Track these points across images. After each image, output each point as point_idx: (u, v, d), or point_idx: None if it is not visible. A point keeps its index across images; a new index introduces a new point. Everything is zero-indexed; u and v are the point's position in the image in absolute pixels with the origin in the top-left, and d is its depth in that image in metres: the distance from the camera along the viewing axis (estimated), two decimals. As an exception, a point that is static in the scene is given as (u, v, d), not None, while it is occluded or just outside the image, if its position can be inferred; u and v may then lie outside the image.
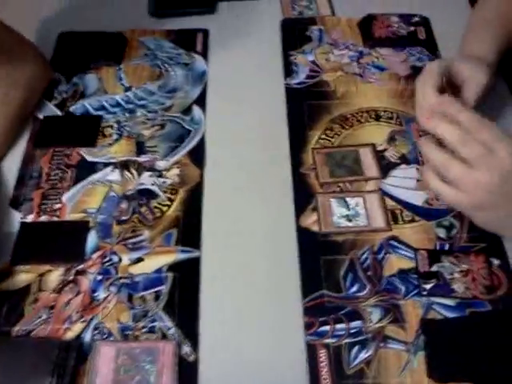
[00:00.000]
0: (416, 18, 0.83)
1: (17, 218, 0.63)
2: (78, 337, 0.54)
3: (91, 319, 0.56)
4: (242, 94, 0.75)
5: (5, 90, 0.69)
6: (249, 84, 0.76)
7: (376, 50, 0.80)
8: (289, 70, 0.78)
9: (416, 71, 0.76)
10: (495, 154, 0.52)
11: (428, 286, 0.57)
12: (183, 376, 0.52)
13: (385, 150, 0.68)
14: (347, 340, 0.54)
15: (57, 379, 0.51)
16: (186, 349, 0.54)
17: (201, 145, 0.69)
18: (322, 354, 0.53)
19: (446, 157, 0.54)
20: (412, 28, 0.82)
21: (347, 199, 0.64)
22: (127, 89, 0.75)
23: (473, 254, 0.59)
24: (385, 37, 0.81)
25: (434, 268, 0.58)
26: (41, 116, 0.73)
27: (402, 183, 0.65)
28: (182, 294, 0.57)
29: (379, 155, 0.68)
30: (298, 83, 0.76)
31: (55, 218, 0.63)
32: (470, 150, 0.53)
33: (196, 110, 0.73)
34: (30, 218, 0.63)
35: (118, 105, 0.74)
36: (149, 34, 0.83)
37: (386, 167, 0.67)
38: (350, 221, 0.62)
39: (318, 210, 0.63)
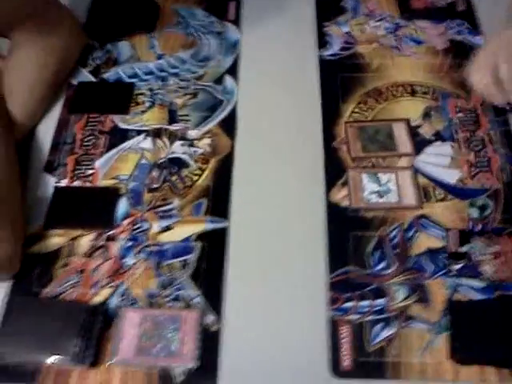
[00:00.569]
0: (456, -11, 0.80)
1: (51, 182, 0.65)
2: (105, 302, 0.56)
3: (119, 285, 0.57)
4: (274, 65, 0.74)
5: (41, 55, 0.69)
6: (282, 54, 0.75)
7: (413, 21, 0.77)
8: (323, 41, 0.76)
9: (455, 45, 0.74)
10: None
11: (456, 267, 0.56)
12: (205, 345, 0.53)
13: (419, 125, 0.67)
14: (370, 317, 0.54)
15: (82, 342, 0.52)
16: (210, 318, 0.55)
17: (232, 115, 0.69)
18: (345, 330, 0.53)
19: None
20: (450, -1, 0.79)
21: (379, 175, 0.63)
22: (160, 56, 0.75)
23: (505, 236, 0.58)
24: (423, 8, 0.78)
25: (464, 249, 0.57)
26: (75, 82, 0.73)
27: (436, 160, 0.64)
28: (209, 263, 0.58)
29: (413, 131, 0.66)
30: (332, 55, 0.74)
31: (88, 184, 0.64)
32: None
33: (228, 79, 0.72)
34: (63, 183, 0.64)
35: (150, 72, 0.74)
36: (181, 1, 0.82)
37: (419, 143, 0.65)
38: (381, 197, 0.61)
39: (348, 185, 0.62)
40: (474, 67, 0.67)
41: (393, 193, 0.61)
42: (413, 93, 0.70)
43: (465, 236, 0.58)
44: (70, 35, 0.72)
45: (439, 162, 0.64)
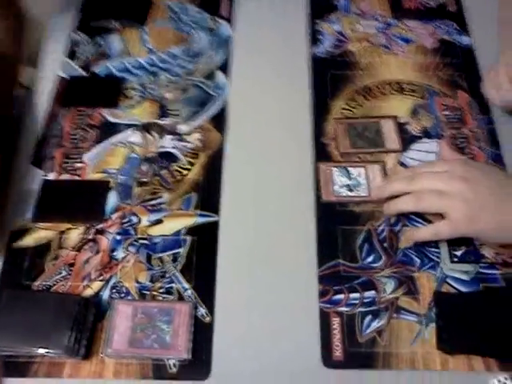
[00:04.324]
0: (446, -10, 0.82)
1: (39, 175, 0.64)
2: (97, 294, 0.56)
3: (110, 278, 0.57)
4: (266, 61, 0.74)
5: None
6: (273, 51, 0.75)
7: (404, 21, 0.78)
8: (314, 38, 0.77)
9: (444, 44, 0.75)
10: None
11: (459, 253, 0.57)
12: (198, 337, 0.53)
13: (407, 122, 0.68)
14: (360, 309, 0.54)
15: (76, 334, 0.52)
16: (202, 311, 0.55)
17: (223, 111, 0.69)
18: (335, 322, 0.54)
19: None
20: (442, 0, 0.81)
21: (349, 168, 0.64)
22: (151, 51, 0.75)
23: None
24: (414, 8, 0.80)
25: None
26: (64, 75, 0.73)
27: (423, 157, 0.65)
28: (200, 257, 0.58)
29: (401, 128, 0.67)
30: (323, 52, 0.75)
31: (76, 177, 0.64)
32: None
33: (220, 75, 0.73)
34: (51, 176, 0.64)
35: (141, 67, 0.74)
36: (173, -5, 0.82)
37: (407, 140, 0.66)
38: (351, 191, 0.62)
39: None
40: (488, 82, 0.68)
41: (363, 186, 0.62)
42: (401, 91, 0.71)
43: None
44: None
45: (426, 158, 0.65)
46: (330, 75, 0.72)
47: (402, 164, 0.64)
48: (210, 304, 0.55)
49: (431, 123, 0.68)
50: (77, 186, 0.63)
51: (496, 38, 0.73)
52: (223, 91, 0.71)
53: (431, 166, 0.61)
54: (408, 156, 0.65)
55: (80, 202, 0.62)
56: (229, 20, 0.79)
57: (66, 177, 0.64)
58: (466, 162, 0.61)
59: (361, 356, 0.52)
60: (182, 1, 0.81)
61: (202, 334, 0.53)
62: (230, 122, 0.69)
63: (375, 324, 0.53)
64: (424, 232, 0.58)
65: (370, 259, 0.58)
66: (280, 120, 0.69)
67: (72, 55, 0.75)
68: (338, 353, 0.52)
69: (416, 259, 0.57)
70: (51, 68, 0.74)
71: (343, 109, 0.69)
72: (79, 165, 0.65)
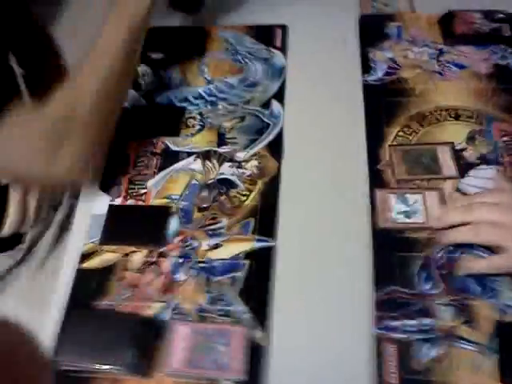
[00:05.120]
0: (500, 15, 0.81)
1: (106, 200, 0.68)
2: (158, 315, 0.58)
3: (170, 299, 0.59)
4: (319, 89, 0.76)
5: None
6: (326, 79, 0.77)
7: (456, 47, 0.79)
8: (366, 66, 0.78)
9: (499, 70, 0.75)
10: None
11: None
12: (254, 360, 0.54)
13: (464, 149, 0.68)
14: (417, 336, 0.54)
15: (138, 352, 0.54)
16: (259, 334, 0.56)
17: (279, 138, 0.71)
18: (391, 348, 0.54)
19: None
20: (495, 25, 0.80)
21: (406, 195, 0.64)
22: (209, 82, 0.79)
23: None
24: (466, 34, 0.79)
25: None
26: (128, 105, 0.77)
27: (481, 183, 0.64)
28: (257, 280, 0.60)
29: (458, 154, 0.67)
30: (376, 80, 0.76)
31: (141, 203, 0.67)
32: None
33: (275, 104, 0.75)
34: (117, 201, 0.67)
35: (200, 97, 0.77)
36: (229, 29, 0.85)
37: (464, 167, 0.66)
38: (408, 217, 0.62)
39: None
40: None
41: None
42: (457, 117, 0.71)
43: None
44: None
45: (484, 184, 0.64)
46: (385, 102, 0.73)
47: (460, 191, 0.64)
48: (266, 327, 0.56)
49: (489, 149, 0.67)
50: (141, 211, 0.67)
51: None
52: (278, 119, 0.73)
53: (490, 196, 0.60)
54: (466, 183, 0.65)
55: (143, 226, 0.66)
56: (282, 50, 0.82)
57: (131, 202, 0.67)
58: None
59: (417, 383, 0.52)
60: (238, 32, 0.85)
61: (257, 357, 0.55)
62: (285, 149, 0.70)
63: (432, 353, 0.53)
64: (480, 264, 0.58)
65: (427, 286, 0.57)
66: (335, 147, 0.70)
67: (136, 86, 0.79)
68: (393, 380, 0.52)
69: (475, 287, 0.57)
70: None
71: (398, 135, 0.70)
72: (143, 191, 0.68)
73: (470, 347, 0.53)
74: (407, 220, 0.62)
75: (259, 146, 0.71)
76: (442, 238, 0.60)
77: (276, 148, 0.70)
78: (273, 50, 0.82)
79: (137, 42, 0.65)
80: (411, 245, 0.60)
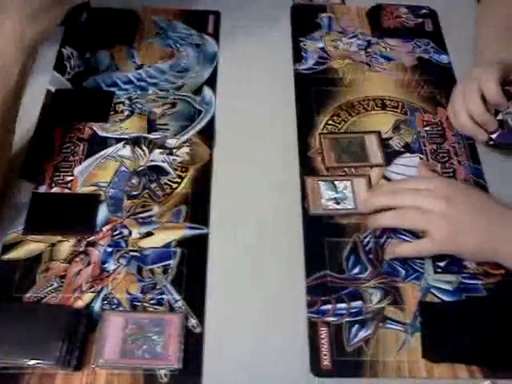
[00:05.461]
0: (424, 10, 0.85)
1: (29, 188, 0.64)
2: (88, 306, 0.56)
3: (101, 290, 0.57)
4: (252, 77, 0.76)
5: None
6: (258, 67, 0.78)
7: (384, 39, 0.81)
8: (298, 55, 0.79)
9: (422, 62, 0.78)
10: None
11: (442, 264, 0.59)
12: (189, 347, 0.54)
13: (390, 138, 0.70)
14: (347, 319, 0.56)
15: (67, 345, 0.52)
16: (193, 321, 0.56)
17: (211, 125, 0.71)
18: (323, 332, 0.55)
19: None
20: (420, 20, 0.84)
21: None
22: (139, 67, 0.76)
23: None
24: (393, 27, 0.83)
25: (499, 117, 0.67)
26: (53, 89, 0.74)
27: (406, 171, 0.67)
28: (190, 269, 0.59)
29: (384, 143, 0.70)
30: (307, 69, 0.78)
31: (67, 190, 0.64)
32: None
33: (206, 90, 0.74)
34: (42, 189, 0.64)
35: (129, 82, 0.75)
36: (161, 12, 0.83)
37: (390, 155, 0.69)
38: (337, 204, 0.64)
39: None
40: (450, 109, 0.71)
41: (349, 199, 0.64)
42: (383, 107, 0.73)
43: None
44: None
45: (409, 172, 0.67)
46: (315, 91, 0.75)
47: (386, 178, 0.66)
48: (200, 315, 0.56)
49: (413, 138, 0.70)
50: (67, 199, 0.64)
51: (472, 55, 0.76)
52: (210, 106, 0.73)
53: (416, 183, 0.63)
54: (391, 170, 0.67)
55: (71, 214, 0.63)
56: (215, 36, 0.81)
57: (56, 190, 0.64)
58: (451, 181, 0.64)
59: (348, 364, 0.53)
60: (170, 17, 0.83)
61: (192, 345, 0.54)
62: (217, 136, 0.70)
63: (362, 333, 0.55)
64: (405, 248, 0.60)
65: (356, 270, 0.59)
66: (266, 134, 0.71)
67: (61, 69, 0.75)
68: (326, 362, 0.53)
69: (401, 270, 0.59)
70: (40, 81, 0.74)
71: (328, 124, 0.71)
72: (70, 178, 0.65)
73: (395, 327, 0.56)
74: (337, 206, 0.64)
75: (191, 133, 0.70)
76: (370, 222, 0.62)
77: (208, 135, 0.70)
78: (205, 36, 0.81)
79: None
80: (341, 230, 0.62)
